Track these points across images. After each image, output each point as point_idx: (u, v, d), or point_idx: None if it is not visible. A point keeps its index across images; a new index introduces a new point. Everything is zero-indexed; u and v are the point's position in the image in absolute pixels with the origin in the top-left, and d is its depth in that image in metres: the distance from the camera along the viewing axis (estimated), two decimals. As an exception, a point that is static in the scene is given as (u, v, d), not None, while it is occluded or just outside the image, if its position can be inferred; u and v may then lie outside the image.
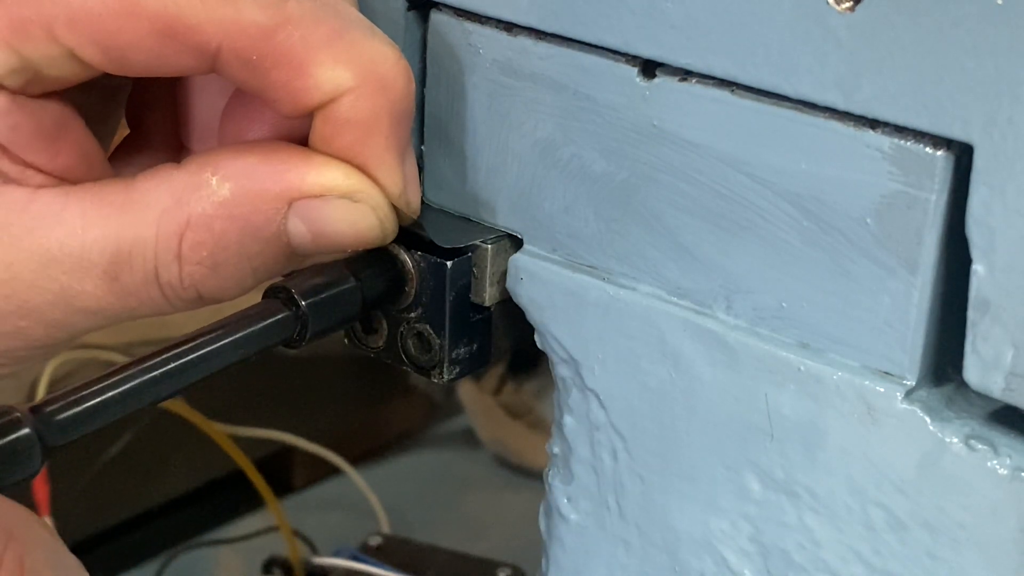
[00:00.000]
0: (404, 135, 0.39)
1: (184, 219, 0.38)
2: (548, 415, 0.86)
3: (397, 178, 0.39)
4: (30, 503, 0.71)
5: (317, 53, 0.37)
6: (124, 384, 0.36)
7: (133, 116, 0.43)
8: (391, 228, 0.40)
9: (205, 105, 0.42)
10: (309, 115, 0.38)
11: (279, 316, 0.39)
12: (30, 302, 0.38)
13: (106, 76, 0.38)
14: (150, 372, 0.36)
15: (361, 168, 0.39)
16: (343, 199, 0.38)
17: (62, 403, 0.35)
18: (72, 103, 0.39)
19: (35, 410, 0.34)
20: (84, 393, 0.35)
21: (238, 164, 0.38)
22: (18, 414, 0.34)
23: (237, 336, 0.38)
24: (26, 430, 0.34)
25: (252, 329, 0.38)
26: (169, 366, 0.36)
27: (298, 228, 0.38)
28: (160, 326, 0.84)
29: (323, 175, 0.38)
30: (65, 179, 0.39)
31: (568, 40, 0.40)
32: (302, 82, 0.37)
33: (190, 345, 0.37)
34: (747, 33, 0.36)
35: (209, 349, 0.37)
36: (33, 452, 0.34)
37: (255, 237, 0.38)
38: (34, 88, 0.38)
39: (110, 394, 0.35)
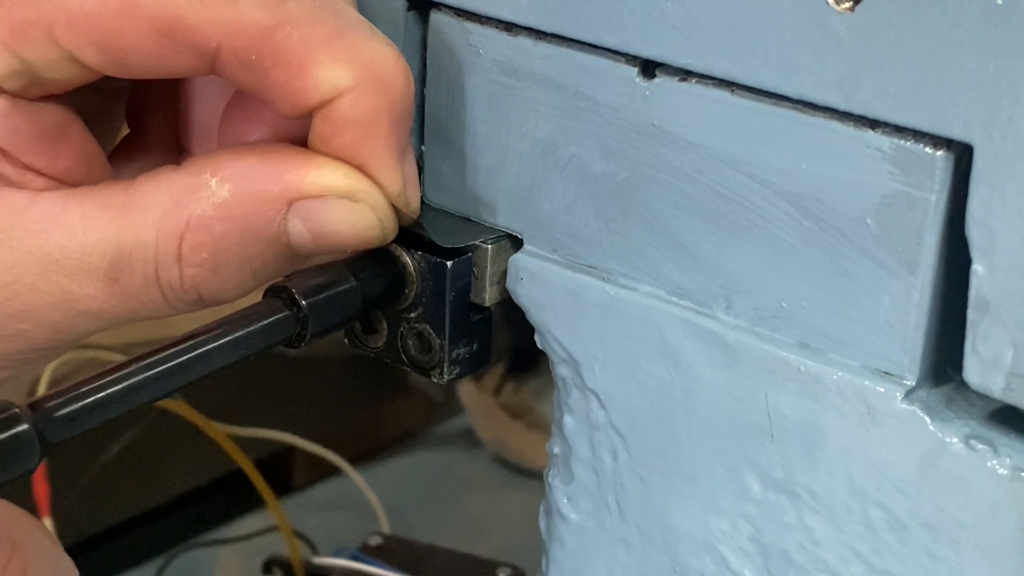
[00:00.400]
0: (404, 135, 0.39)
1: (184, 221, 0.38)
2: (548, 415, 0.86)
3: (397, 178, 0.39)
4: (30, 503, 0.71)
5: (316, 53, 0.37)
6: (124, 381, 0.36)
7: (133, 118, 0.43)
8: (391, 228, 0.40)
9: (205, 107, 0.42)
10: (308, 116, 0.38)
11: (280, 315, 0.39)
12: (31, 305, 0.38)
13: (106, 79, 0.38)
14: (150, 370, 0.36)
15: (361, 168, 0.39)
16: (343, 199, 0.38)
17: (61, 399, 0.35)
18: (72, 106, 0.39)
19: (34, 406, 0.34)
20: (83, 390, 0.35)
21: (237, 165, 0.38)
22: (17, 410, 0.34)
23: (237, 335, 0.38)
24: (25, 426, 0.34)
25: (253, 328, 0.38)
26: (169, 364, 0.36)
27: (298, 229, 0.38)
28: (161, 326, 0.84)
29: (323, 175, 0.38)
30: (66, 182, 0.39)
31: (568, 40, 0.40)
32: (301, 82, 0.37)
33: (190, 343, 0.37)
34: (747, 33, 0.36)
35: (209, 347, 0.37)
36: (32, 448, 0.34)
37: (255, 238, 0.38)
38: (34, 91, 0.38)
39: (110, 391, 0.35)
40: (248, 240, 0.38)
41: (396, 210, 0.40)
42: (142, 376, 0.36)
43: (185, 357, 0.37)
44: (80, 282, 0.38)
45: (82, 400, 0.35)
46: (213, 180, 0.38)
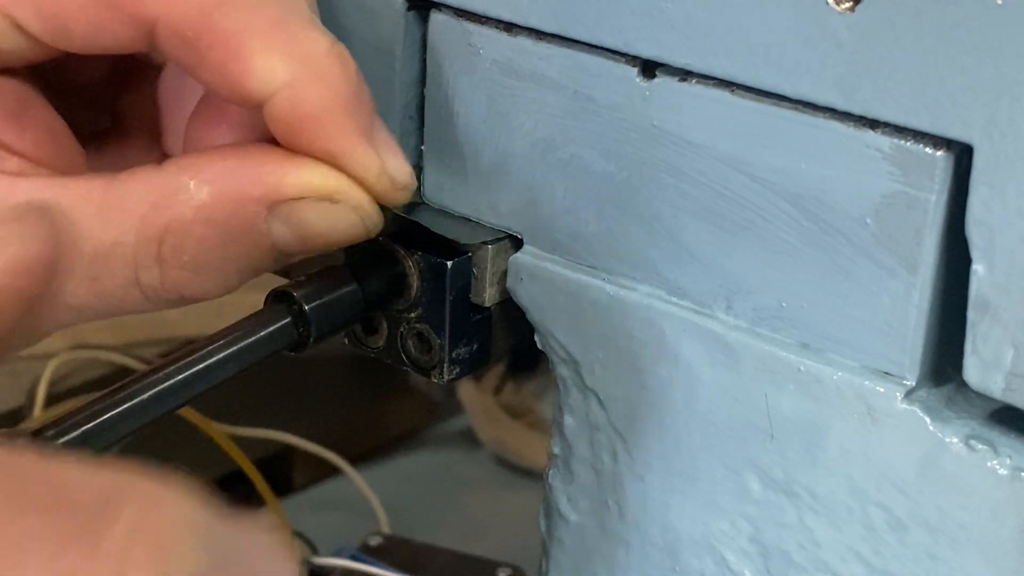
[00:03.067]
0: (363, 118, 0.38)
1: (163, 224, 0.37)
2: (548, 415, 0.86)
3: (369, 160, 0.38)
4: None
5: (252, 40, 0.36)
6: (127, 402, 0.35)
7: (115, 113, 0.43)
8: (373, 223, 0.39)
9: (184, 109, 0.42)
10: (254, 106, 0.38)
11: (283, 322, 0.39)
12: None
13: (99, 86, 0.38)
14: (154, 387, 0.36)
15: (331, 160, 0.38)
16: (323, 201, 0.38)
17: (62, 427, 0.34)
18: (35, 85, 0.39)
19: (36, 435, 0.34)
20: (86, 414, 0.35)
21: (217, 167, 0.38)
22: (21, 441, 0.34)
23: (243, 344, 0.38)
24: None
25: (258, 336, 0.38)
26: (175, 379, 0.36)
27: (281, 231, 0.38)
28: (161, 325, 0.84)
29: (302, 176, 0.38)
30: (36, 160, 0.38)
31: (568, 40, 0.40)
32: (236, 65, 0.37)
33: (196, 356, 0.37)
34: (747, 33, 0.36)
35: (216, 359, 0.37)
36: None
37: (236, 241, 0.38)
38: None
39: (111, 414, 0.35)
40: (229, 242, 0.38)
41: (394, 187, 0.39)
42: (146, 395, 0.36)
43: (191, 371, 0.36)
44: (59, 278, 0.37)
45: (83, 426, 0.35)
46: (192, 182, 0.37)
